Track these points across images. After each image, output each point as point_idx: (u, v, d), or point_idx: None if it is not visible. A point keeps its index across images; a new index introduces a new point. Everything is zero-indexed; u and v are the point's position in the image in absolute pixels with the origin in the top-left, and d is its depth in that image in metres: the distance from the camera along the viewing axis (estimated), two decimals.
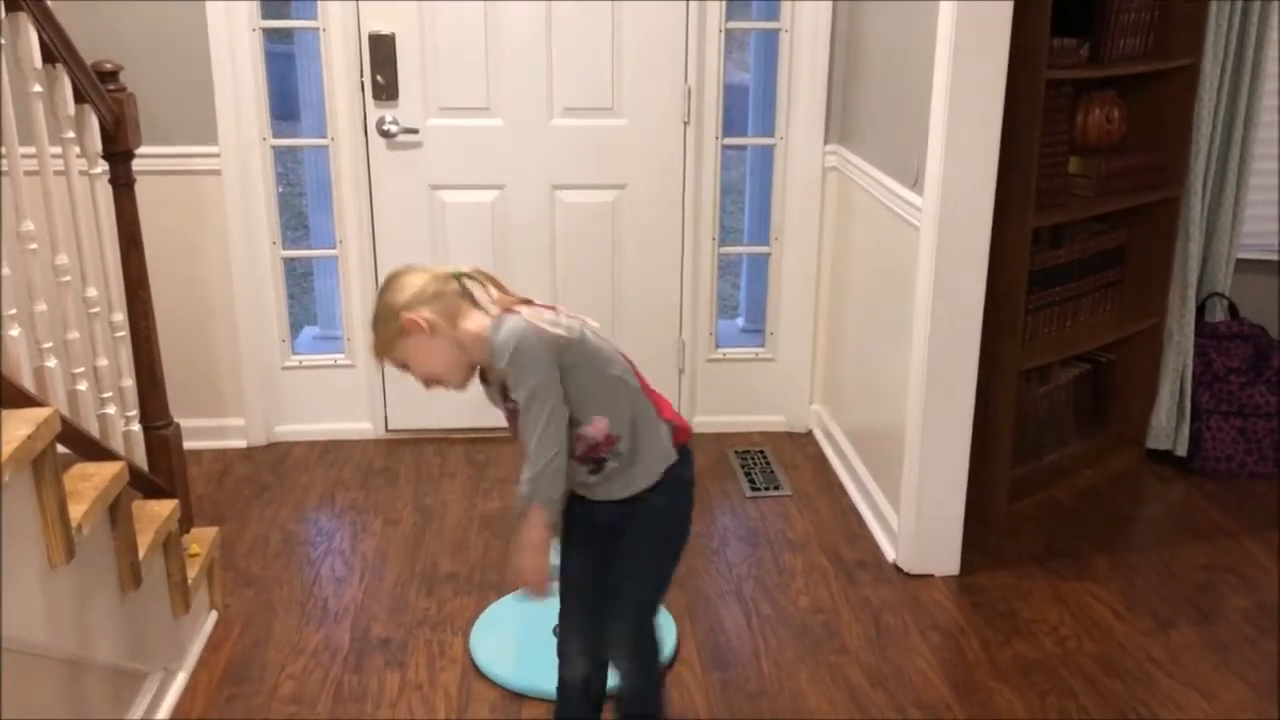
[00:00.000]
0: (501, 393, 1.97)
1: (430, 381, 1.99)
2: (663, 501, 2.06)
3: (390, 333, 1.93)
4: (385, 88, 3.47)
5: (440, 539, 3.19)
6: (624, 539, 2.09)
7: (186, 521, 2.73)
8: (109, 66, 2.39)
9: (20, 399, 1.85)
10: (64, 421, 1.93)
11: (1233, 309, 3.68)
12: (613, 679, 2.22)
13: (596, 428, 1.97)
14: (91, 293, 2.33)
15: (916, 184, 2.90)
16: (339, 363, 3.79)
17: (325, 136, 3.58)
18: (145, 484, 2.51)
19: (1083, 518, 3.35)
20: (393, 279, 1.95)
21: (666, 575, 2.15)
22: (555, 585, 2.18)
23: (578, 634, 2.19)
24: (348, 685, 2.56)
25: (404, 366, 1.98)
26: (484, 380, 2.03)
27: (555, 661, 2.61)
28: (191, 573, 2.60)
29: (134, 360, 2.57)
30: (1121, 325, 3.53)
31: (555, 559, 2.53)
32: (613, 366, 2.00)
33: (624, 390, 2.00)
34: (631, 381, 2.02)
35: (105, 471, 2.12)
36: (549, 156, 3.59)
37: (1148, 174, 3.39)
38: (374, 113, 3.49)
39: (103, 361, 2.35)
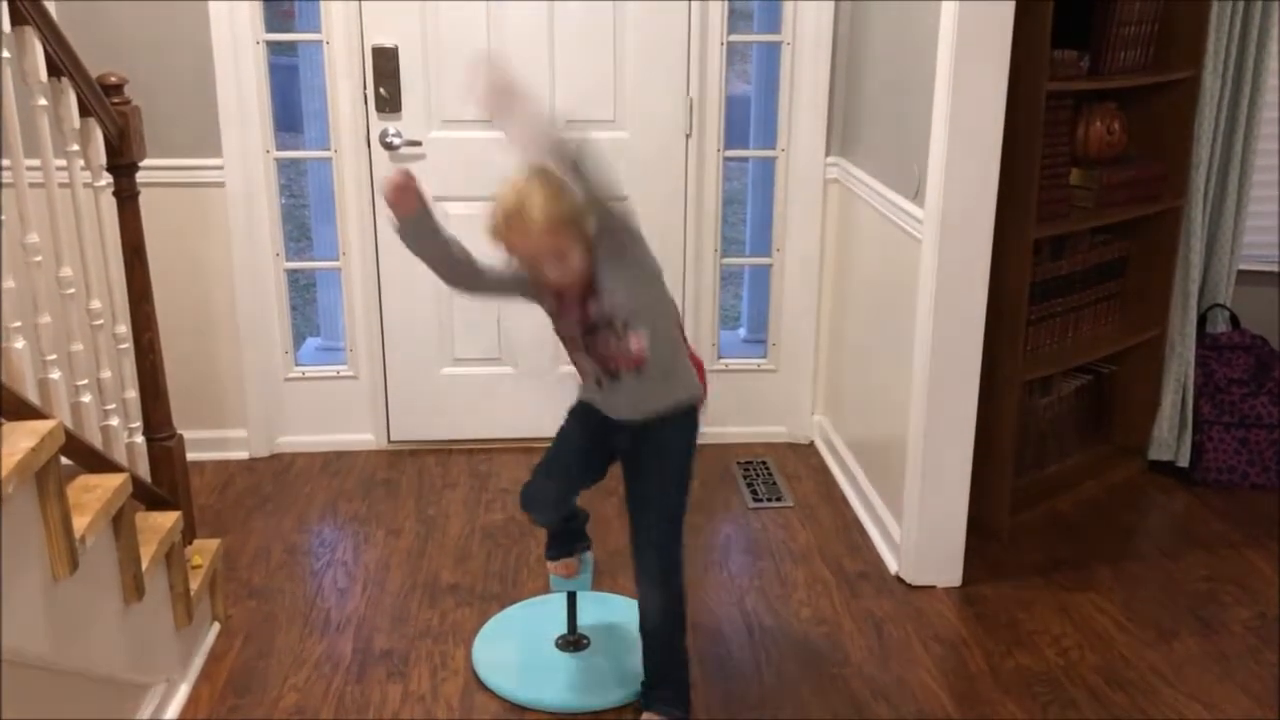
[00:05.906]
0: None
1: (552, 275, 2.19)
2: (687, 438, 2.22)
3: (568, 217, 2.12)
4: (388, 100, 3.48)
5: (442, 550, 3.19)
6: (643, 466, 2.21)
7: (189, 533, 2.73)
8: (113, 79, 2.40)
9: (24, 411, 1.85)
10: (67, 433, 1.93)
11: (1234, 320, 3.68)
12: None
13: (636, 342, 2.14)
14: (95, 305, 2.33)
15: (918, 196, 2.90)
16: (341, 374, 3.79)
17: (328, 149, 3.59)
18: (148, 495, 2.52)
19: (1085, 529, 3.35)
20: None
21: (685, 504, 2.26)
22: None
23: (556, 485, 2.35)
24: (350, 696, 2.56)
25: (561, 257, 2.15)
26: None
27: (557, 674, 2.62)
28: (194, 584, 2.60)
29: (137, 372, 2.58)
30: (1123, 336, 3.54)
31: (582, 579, 2.58)
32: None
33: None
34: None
35: (108, 483, 2.12)
36: None
37: (1148, 185, 3.40)
38: (377, 125, 3.50)
39: (106, 373, 2.36)
